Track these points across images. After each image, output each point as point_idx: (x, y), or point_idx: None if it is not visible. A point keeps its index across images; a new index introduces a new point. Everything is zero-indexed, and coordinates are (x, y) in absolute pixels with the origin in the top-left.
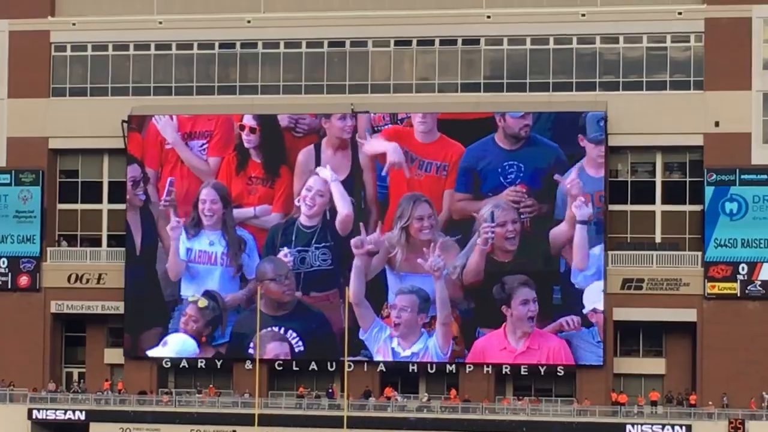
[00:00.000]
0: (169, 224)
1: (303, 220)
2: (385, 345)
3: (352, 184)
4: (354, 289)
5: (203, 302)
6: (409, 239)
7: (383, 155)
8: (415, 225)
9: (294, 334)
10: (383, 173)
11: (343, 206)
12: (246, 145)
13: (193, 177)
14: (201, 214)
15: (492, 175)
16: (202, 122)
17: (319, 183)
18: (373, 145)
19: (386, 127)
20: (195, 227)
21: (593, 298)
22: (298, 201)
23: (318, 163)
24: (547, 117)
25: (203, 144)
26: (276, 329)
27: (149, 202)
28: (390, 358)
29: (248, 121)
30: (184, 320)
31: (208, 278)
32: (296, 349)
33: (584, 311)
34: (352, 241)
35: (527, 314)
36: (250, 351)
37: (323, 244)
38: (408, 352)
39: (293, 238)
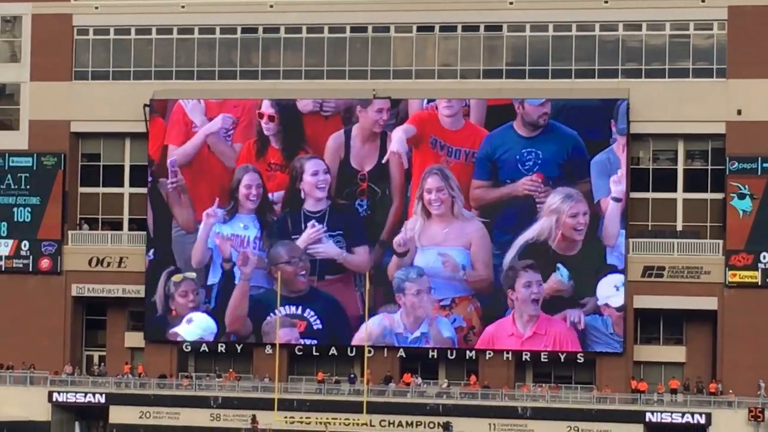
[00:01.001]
0: (206, 211)
1: (308, 205)
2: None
3: (379, 175)
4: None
5: (179, 277)
6: (426, 211)
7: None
8: (425, 196)
9: (312, 312)
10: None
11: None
12: (265, 132)
13: (216, 161)
14: (245, 199)
15: (510, 162)
16: (229, 108)
17: (318, 164)
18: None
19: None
20: (231, 212)
21: (606, 293)
22: (302, 189)
23: (347, 152)
24: (570, 105)
25: (229, 130)
26: (291, 308)
27: (156, 182)
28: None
29: (266, 108)
30: (183, 302)
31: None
32: (314, 327)
33: (598, 303)
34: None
35: (530, 297)
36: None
37: (338, 232)
38: (417, 333)
39: (302, 227)
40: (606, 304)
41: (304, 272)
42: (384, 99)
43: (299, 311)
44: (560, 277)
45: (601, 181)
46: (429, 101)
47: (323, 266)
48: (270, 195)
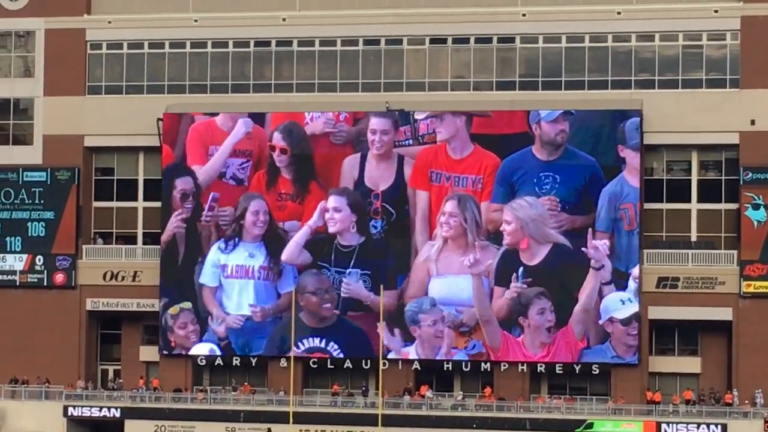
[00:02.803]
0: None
1: (340, 240)
2: None
3: (396, 195)
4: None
5: (175, 309)
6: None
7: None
8: (440, 218)
9: (335, 346)
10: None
11: None
12: (278, 164)
13: (231, 190)
14: (252, 226)
15: (527, 185)
16: (243, 142)
17: (332, 201)
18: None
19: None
20: (233, 239)
21: (612, 306)
22: (331, 217)
23: (362, 173)
24: (586, 129)
25: (243, 163)
26: (315, 341)
27: (197, 216)
28: None
29: (278, 141)
30: (183, 333)
31: (244, 292)
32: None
33: (600, 321)
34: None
35: (545, 324)
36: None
37: (366, 271)
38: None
39: (332, 257)
40: (611, 319)
41: (329, 305)
42: (382, 118)
43: (322, 344)
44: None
45: (607, 214)
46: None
47: (349, 301)
48: (281, 224)
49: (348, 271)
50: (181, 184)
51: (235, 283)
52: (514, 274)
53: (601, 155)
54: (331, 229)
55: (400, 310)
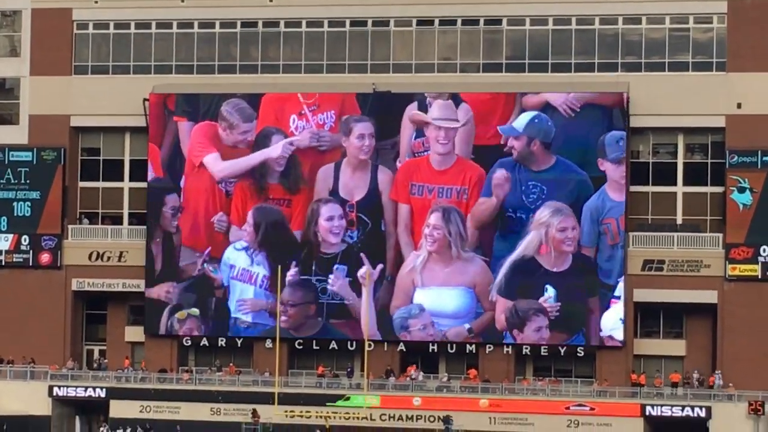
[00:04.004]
0: None
1: (322, 247)
2: None
3: (369, 205)
4: (364, 323)
5: (182, 314)
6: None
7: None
8: (425, 230)
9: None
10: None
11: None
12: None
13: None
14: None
15: (515, 191)
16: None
17: (335, 209)
18: None
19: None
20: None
21: (611, 325)
22: (318, 232)
23: (336, 182)
24: (572, 138)
25: (233, 180)
26: None
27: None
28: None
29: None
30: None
31: (244, 296)
32: None
33: (602, 335)
34: (358, 274)
35: (539, 341)
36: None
37: (347, 278)
38: None
39: (313, 266)
40: (610, 336)
41: (310, 317)
42: (367, 122)
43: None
44: (548, 298)
45: (590, 228)
46: (417, 136)
47: (331, 309)
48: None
49: (336, 266)
50: (170, 200)
51: (237, 285)
52: (546, 295)
53: (587, 165)
54: (333, 240)
55: (382, 318)
